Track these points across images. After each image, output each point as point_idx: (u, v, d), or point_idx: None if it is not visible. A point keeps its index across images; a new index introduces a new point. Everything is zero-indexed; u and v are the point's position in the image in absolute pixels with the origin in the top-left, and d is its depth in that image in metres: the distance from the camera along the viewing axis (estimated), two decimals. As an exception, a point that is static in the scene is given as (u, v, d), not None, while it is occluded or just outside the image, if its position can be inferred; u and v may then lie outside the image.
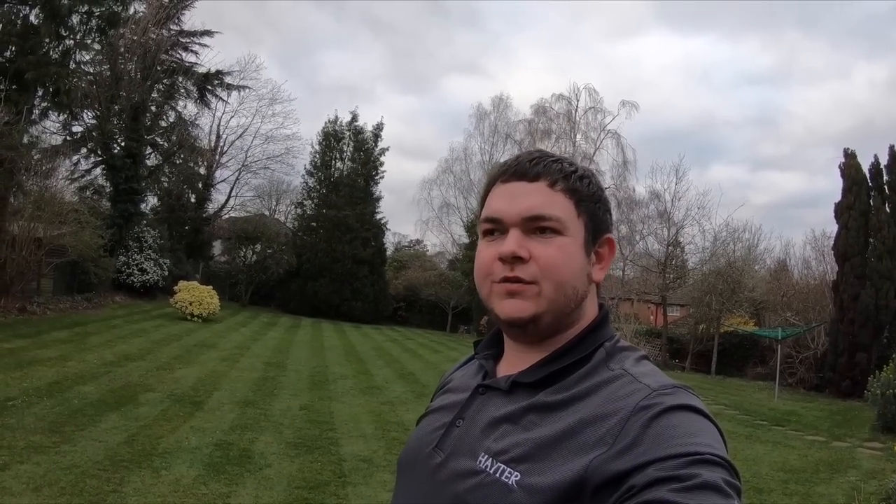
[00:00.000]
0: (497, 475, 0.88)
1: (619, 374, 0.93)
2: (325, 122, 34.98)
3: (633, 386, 0.89)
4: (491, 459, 0.90)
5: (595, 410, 0.88)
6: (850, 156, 18.27)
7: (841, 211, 17.99)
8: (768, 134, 66.43)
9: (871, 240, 17.23)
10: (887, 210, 17.46)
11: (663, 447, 0.79)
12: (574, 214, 0.99)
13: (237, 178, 35.90)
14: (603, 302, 1.07)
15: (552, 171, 1.00)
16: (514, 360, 1.04)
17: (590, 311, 1.03)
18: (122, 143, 24.01)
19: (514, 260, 0.96)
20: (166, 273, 24.25)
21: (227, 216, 35.53)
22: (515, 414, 0.95)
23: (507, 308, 0.97)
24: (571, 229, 0.98)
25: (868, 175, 17.95)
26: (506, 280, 0.97)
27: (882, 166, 17.91)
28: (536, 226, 0.97)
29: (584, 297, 1.01)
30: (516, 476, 0.86)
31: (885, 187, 17.80)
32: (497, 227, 1.01)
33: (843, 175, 18.25)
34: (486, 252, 1.00)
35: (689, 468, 0.75)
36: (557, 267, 0.96)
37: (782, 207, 57.40)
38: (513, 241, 0.97)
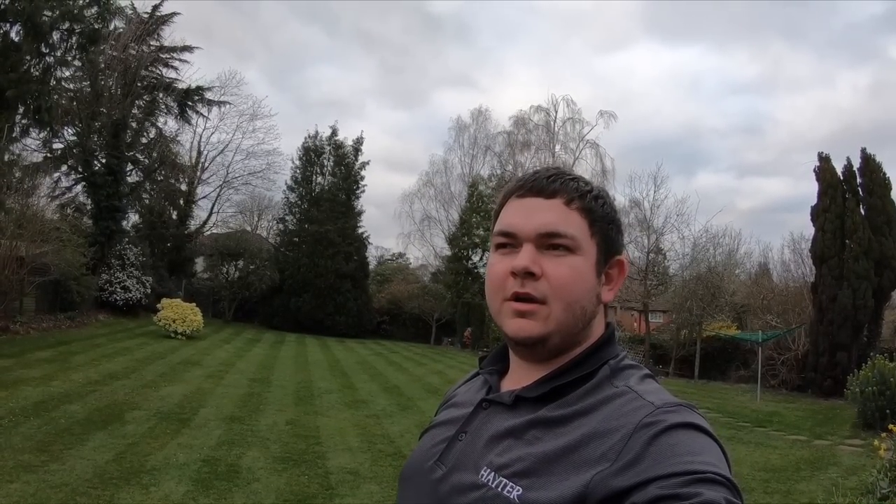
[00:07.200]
0: (499, 489, 0.87)
1: (623, 391, 0.92)
2: (305, 137, 34.98)
3: (636, 403, 0.89)
4: (493, 474, 0.90)
5: (598, 426, 0.88)
6: (824, 160, 18.46)
7: (817, 214, 18.19)
8: (754, 141, 67.14)
9: (847, 241, 17.43)
10: (861, 212, 17.71)
11: (665, 465, 0.79)
12: (588, 234, 1.00)
13: (218, 195, 35.84)
14: (611, 321, 1.07)
15: (569, 189, 1.01)
16: (519, 376, 1.04)
17: (597, 330, 1.03)
18: (103, 160, 23.92)
19: (526, 275, 0.96)
20: (149, 290, 24.10)
21: (209, 232, 35.38)
22: (519, 428, 0.95)
23: (516, 327, 0.98)
24: (584, 248, 0.99)
25: (842, 178, 18.19)
26: (517, 297, 0.97)
27: (855, 169, 18.16)
28: (550, 242, 0.98)
29: (592, 317, 1.01)
30: (518, 491, 0.85)
31: (859, 189, 18.04)
32: (511, 242, 1.01)
33: (818, 179, 18.44)
34: (499, 266, 1.01)
35: (691, 487, 0.75)
36: (568, 286, 0.96)
37: (768, 212, 58.04)
38: (526, 257, 0.97)
